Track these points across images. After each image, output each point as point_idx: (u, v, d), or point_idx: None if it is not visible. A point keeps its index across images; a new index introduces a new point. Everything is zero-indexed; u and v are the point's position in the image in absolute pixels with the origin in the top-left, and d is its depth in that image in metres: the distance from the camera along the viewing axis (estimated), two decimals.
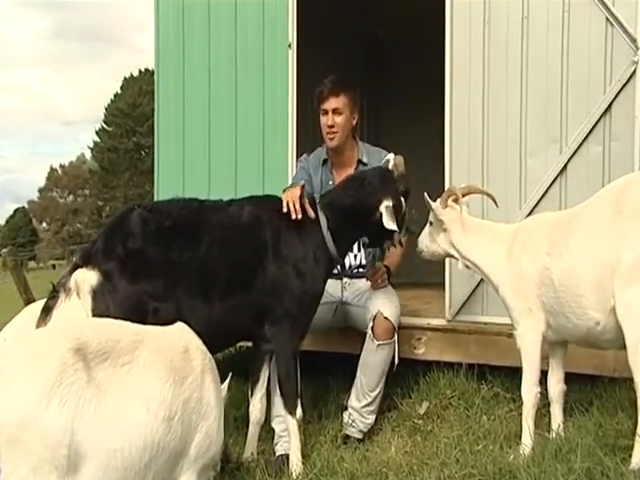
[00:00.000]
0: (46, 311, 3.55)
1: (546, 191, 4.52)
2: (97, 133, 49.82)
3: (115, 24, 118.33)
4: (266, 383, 3.97)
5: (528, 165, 4.59)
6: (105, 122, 49.38)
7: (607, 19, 4.36)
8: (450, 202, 3.96)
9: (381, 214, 3.74)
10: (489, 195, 4.10)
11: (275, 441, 4.08)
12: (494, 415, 4.24)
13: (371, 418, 4.26)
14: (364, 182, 3.87)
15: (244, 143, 5.53)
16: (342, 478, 3.50)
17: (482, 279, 4.45)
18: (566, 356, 3.75)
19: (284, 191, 3.90)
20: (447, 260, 4.73)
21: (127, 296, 3.53)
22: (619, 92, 4.35)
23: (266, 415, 4.04)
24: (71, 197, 60.20)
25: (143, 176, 44.33)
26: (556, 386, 3.72)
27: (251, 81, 5.51)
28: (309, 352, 4.40)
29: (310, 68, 5.46)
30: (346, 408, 4.32)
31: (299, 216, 3.76)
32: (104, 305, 3.51)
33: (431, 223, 4.03)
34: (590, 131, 4.41)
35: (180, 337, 3.02)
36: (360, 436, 4.24)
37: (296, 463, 3.74)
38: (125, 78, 49.34)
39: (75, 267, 3.62)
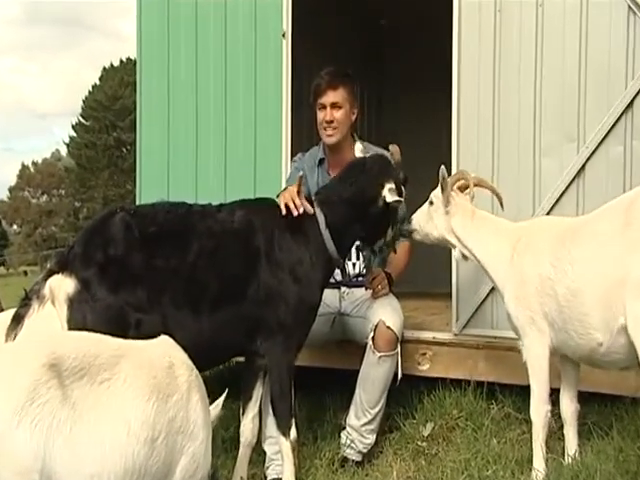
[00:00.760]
0: (16, 321, 3.52)
1: (562, 194, 4.53)
2: (73, 127, 49.82)
3: (93, 9, 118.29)
4: (259, 401, 3.97)
5: (542, 166, 4.60)
6: (82, 116, 49.36)
7: (629, 7, 4.37)
8: (456, 188, 3.98)
9: (384, 201, 3.76)
10: (497, 194, 4.10)
11: (267, 464, 4.08)
12: (505, 438, 4.25)
13: (371, 438, 4.26)
14: (364, 168, 3.88)
15: (234, 141, 5.53)
16: None
17: (492, 289, 4.46)
18: (578, 372, 3.77)
19: (278, 196, 3.91)
20: (454, 268, 4.74)
21: (107, 306, 3.52)
22: None
23: (257, 436, 4.03)
24: (45, 197, 60.09)
25: (124, 175, 44.36)
26: (569, 406, 3.74)
27: (242, 73, 5.52)
28: (304, 368, 4.39)
29: (306, 59, 5.48)
30: (344, 428, 4.33)
31: (300, 210, 3.78)
32: (81, 316, 3.49)
33: (431, 202, 4.03)
34: (610, 129, 4.42)
35: (164, 352, 3.01)
36: (359, 458, 4.25)
37: None
38: (104, 68, 49.42)
39: (50, 273, 3.60)
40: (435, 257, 5.18)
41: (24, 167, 61.51)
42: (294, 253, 3.80)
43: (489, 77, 4.74)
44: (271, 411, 3.86)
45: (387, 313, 4.17)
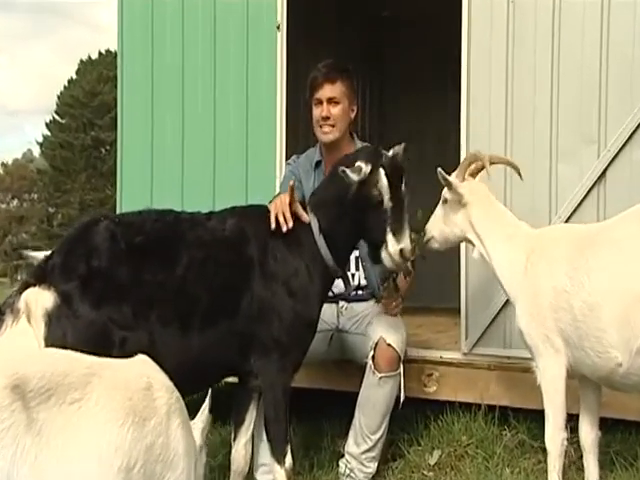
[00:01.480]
0: None
1: (581, 202, 4.53)
2: (47, 126, 49.79)
3: None
4: (252, 426, 3.95)
5: (559, 171, 4.61)
6: (57, 113, 49.35)
7: None
8: (468, 176, 3.97)
9: (379, 195, 3.65)
10: (514, 166, 4.10)
11: None
12: (518, 467, 4.25)
13: (372, 466, 4.25)
14: (348, 162, 3.82)
15: (224, 142, 5.54)
16: None
17: (505, 303, 4.47)
18: (600, 396, 3.76)
19: (271, 202, 3.91)
20: (463, 280, 4.75)
21: (89, 323, 3.51)
22: None
23: (250, 464, 4.02)
24: (15, 202, 60.00)
25: (103, 178, 44.25)
26: (589, 433, 3.73)
27: (233, 68, 5.54)
28: (300, 389, 4.39)
29: (302, 53, 5.49)
30: (343, 456, 4.33)
31: (290, 224, 3.77)
32: (61, 333, 3.47)
33: (445, 201, 4.00)
34: (634, 130, 4.43)
35: (141, 372, 2.98)
36: None
37: None
38: (82, 61, 49.37)
39: (26, 285, 3.58)
40: (442, 268, 5.18)
41: None
42: (289, 264, 3.80)
43: (501, 74, 4.75)
44: (265, 436, 3.85)
45: (388, 329, 4.17)
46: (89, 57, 49.29)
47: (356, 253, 4.33)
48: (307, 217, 3.84)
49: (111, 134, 39.49)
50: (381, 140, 6.49)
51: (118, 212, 5.47)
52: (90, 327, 3.50)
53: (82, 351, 2.98)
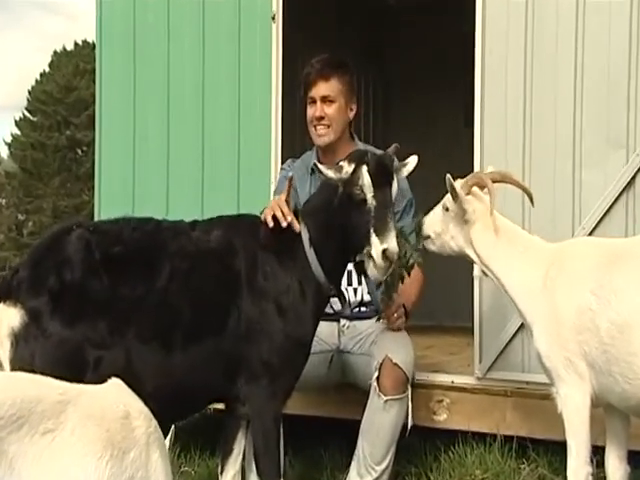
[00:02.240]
0: None
1: (606, 212, 4.54)
2: (17, 124, 49.83)
3: None
4: (241, 457, 3.95)
5: (583, 178, 4.61)
6: (28, 109, 49.42)
7: None
8: (475, 189, 3.93)
9: (361, 193, 3.61)
10: (526, 190, 4.05)
11: None
12: None
13: None
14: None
15: (214, 144, 5.56)
16: None
17: (523, 323, 4.46)
18: (628, 427, 3.74)
19: (262, 212, 3.89)
20: (476, 297, 4.74)
21: (60, 342, 3.49)
22: None
23: None
24: None
25: (79, 182, 44.33)
26: (617, 467, 3.71)
27: (223, 61, 5.56)
28: (296, 417, 4.39)
29: (299, 46, 5.51)
30: None
31: (289, 219, 3.76)
32: (29, 354, 3.47)
33: (447, 209, 3.97)
34: None
35: (118, 398, 2.97)
36: None
37: None
38: (56, 52, 49.48)
39: None
40: (454, 284, 5.19)
41: None
42: (281, 279, 3.79)
43: (519, 71, 4.76)
44: (254, 469, 3.84)
45: (394, 348, 4.16)
46: (64, 48, 49.35)
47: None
48: (297, 225, 3.82)
49: (88, 133, 39.53)
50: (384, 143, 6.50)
51: (95, 220, 5.47)
52: (61, 347, 3.49)
53: (53, 374, 2.97)
